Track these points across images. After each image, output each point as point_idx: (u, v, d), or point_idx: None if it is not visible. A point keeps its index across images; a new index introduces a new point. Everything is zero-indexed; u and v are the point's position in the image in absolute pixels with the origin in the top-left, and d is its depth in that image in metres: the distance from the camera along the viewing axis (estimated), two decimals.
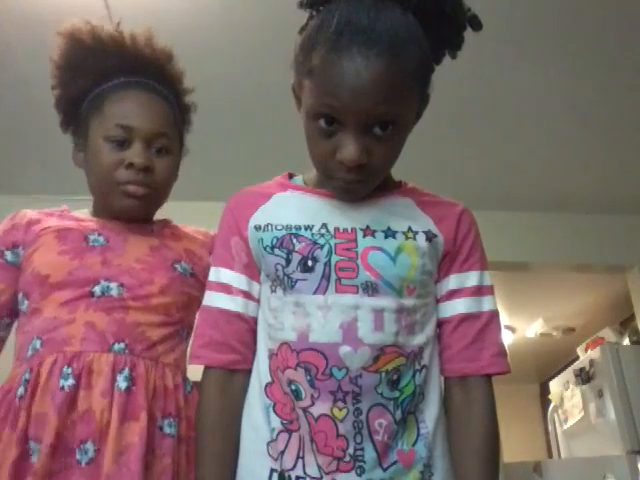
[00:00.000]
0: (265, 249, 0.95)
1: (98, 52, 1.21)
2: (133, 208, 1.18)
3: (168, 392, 1.07)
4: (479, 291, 0.98)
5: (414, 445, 0.90)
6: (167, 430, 1.04)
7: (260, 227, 0.97)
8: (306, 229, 0.94)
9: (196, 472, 0.93)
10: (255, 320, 0.98)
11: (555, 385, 3.97)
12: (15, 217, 1.19)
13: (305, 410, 0.89)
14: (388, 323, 0.90)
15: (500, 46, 2.44)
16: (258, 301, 0.99)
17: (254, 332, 0.98)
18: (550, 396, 4.00)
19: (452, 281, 0.98)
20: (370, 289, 0.90)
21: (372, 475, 0.87)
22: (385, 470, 0.87)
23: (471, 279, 0.98)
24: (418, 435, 0.91)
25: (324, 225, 0.95)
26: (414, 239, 0.95)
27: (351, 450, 0.87)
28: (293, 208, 0.98)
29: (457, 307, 0.97)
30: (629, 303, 3.65)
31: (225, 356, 0.96)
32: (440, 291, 0.98)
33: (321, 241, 0.93)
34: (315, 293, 0.91)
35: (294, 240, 0.94)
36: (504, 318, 4.60)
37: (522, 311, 4.55)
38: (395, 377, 0.89)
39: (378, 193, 0.99)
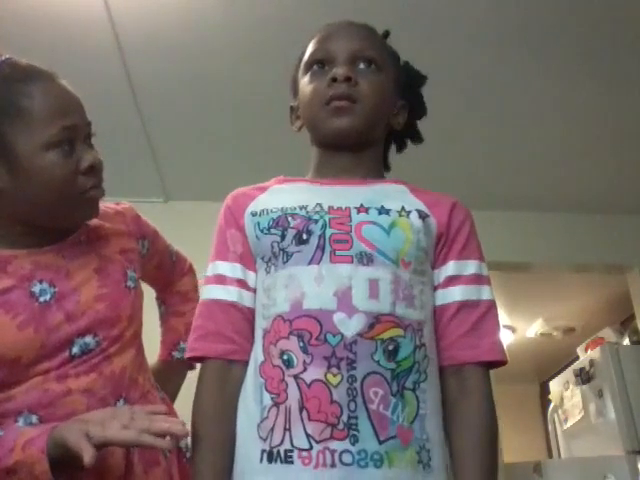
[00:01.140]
0: (262, 231, 0.98)
1: None
2: (94, 214, 1.07)
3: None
4: (478, 279, 0.98)
5: (412, 423, 0.87)
6: (166, 452, 1.05)
7: (256, 213, 1.00)
8: (301, 209, 0.98)
9: (192, 462, 0.92)
10: (251, 310, 0.98)
11: (555, 385, 3.96)
12: None
13: (296, 377, 0.87)
14: (384, 292, 0.90)
15: (502, 47, 2.44)
16: (254, 291, 0.99)
17: (250, 322, 0.97)
18: (550, 396, 4.00)
19: (451, 267, 0.98)
20: (365, 259, 0.92)
21: (366, 446, 0.84)
22: (381, 443, 0.84)
23: (470, 267, 0.99)
24: (417, 415, 0.88)
25: (318, 204, 0.98)
26: (407, 217, 0.97)
27: (345, 417, 0.84)
28: (288, 194, 1.02)
29: (455, 294, 0.97)
30: (629, 303, 3.65)
31: (222, 346, 0.95)
32: (438, 278, 0.98)
33: (316, 217, 0.96)
34: (310, 264, 0.92)
35: (289, 218, 0.97)
36: (504, 318, 4.59)
37: (522, 311, 4.55)
38: (391, 347, 0.88)
39: (372, 180, 1.04)
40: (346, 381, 0.85)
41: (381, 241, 0.93)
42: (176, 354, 1.28)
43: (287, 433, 0.86)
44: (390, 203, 0.98)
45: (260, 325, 0.95)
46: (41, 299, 1.01)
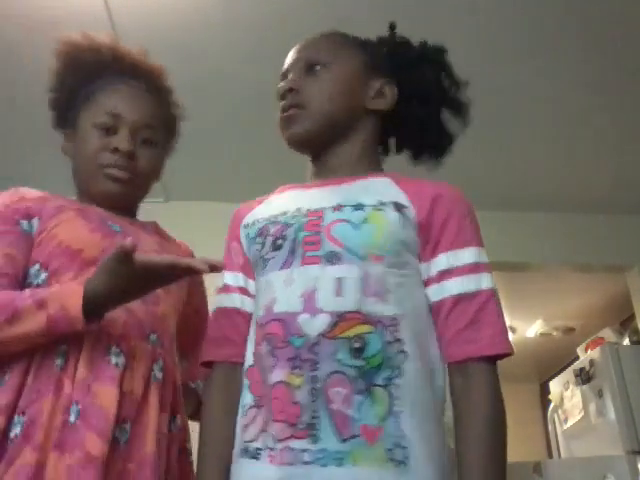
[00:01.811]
0: (250, 242, 1.02)
1: (98, 65, 1.24)
2: (114, 192, 1.17)
3: (177, 390, 1.11)
4: (475, 268, 0.94)
5: (383, 421, 0.85)
6: (172, 426, 1.08)
7: (248, 224, 1.05)
8: (282, 215, 1.01)
9: (198, 461, 0.96)
10: (252, 315, 1.01)
11: (555, 385, 3.96)
12: (19, 191, 1.15)
13: (267, 379, 0.91)
14: (349, 290, 0.90)
15: (501, 46, 2.44)
16: (254, 297, 1.03)
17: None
18: (550, 396, 4.00)
19: (442, 260, 0.94)
20: (333, 258, 0.93)
21: (327, 445, 0.84)
22: (343, 442, 0.84)
23: (464, 256, 0.94)
24: (390, 412, 0.86)
25: (298, 209, 1.00)
26: (383, 211, 0.96)
27: (306, 418, 0.85)
28: (279, 202, 1.05)
29: (451, 288, 0.93)
30: (629, 303, 3.65)
31: (225, 350, 1.00)
32: (428, 272, 0.95)
33: (292, 221, 0.98)
34: (281, 268, 0.95)
35: (270, 227, 1.00)
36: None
37: (522, 311, 4.55)
38: (358, 345, 0.87)
39: (357, 177, 1.03)
40: (309, 382, 0.87)
41: (349, 238, 0.94)
42: (191, 384, 1.30)
43: (260, 433, 0.89)
44: (368, 198, 0.97)
45: (253, 330, 0.99)
46: (111, 228, 1.13)
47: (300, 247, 0.94)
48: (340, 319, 0.88)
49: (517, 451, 4.48)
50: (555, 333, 4.86)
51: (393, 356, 0.88)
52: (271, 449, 0.87)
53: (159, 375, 1.06)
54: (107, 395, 0.97)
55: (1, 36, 2.30)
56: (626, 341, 3.91)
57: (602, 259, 3.53)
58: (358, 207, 0.96)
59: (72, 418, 0.94)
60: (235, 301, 1.03)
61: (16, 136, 2.84)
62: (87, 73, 1.24)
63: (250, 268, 1.03)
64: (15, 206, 1.11)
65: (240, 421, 0.93)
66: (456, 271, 0.94)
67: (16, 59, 2.38)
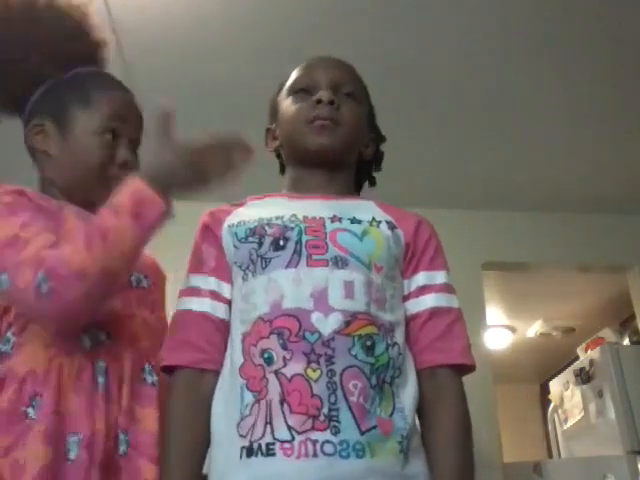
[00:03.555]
0: (240, 240, 1.02)
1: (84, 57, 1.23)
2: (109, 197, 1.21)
3: None
4: (448, 288, 1.04)
5: (391, 415, 0.91)
6: None
7: (234, 224, 1.05)
8: (277, 219, 1.02)
9: (160, 468, 0.95)
10: (224, 322, 1.01)
11: (555, 385, 3.96)
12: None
13: (277, 372, 0.90)
14: (358, 293, 0.95)
15: (499, 44, 2.44)
16: (228, 302, 1.02)
17: (222, 334, 1.00)
18: (550, 396, 3.99)
19: (421, 277, 1.04)
20: (340, 262, 0.97)
21: (347, 436, 0.86)
22: (363, 434, 0.87)
23: (440, 277, 1.05)
24: (394, 408, 0.92)
25: (293, 215, 1.02)
26: (378, 227, 1.03)
27: (325, 410, 0.87)
28: (265, 207, 1.07)
29: (428, 301, 1.02)
30: (629, 303, 3.65)
31: (192, 355, 0.99)
32: (409, 287, 1.04)
33: (292, 225, 1.01)
34: (287, 267, 0.96)
35: (266, 227, 1.01)
36: (504, 318, 4.59)
37: (522, 311, 4.55)
38: (369, 343, 0.92)
39: (342, 197, 1.10)
40: (325, 375, 0.89)
41: (354, 246, 0.99)
42: None
43: (268, 426, 0.87)
44: (361, 214, 1.04)
45: (239, 330, 0.98)
46: None
47: (305, 249, 0.97)
48: (353, 318, 0.93)
49: (517, 451, 4.51)
50: (555, 333, 4.85)
51: (395, 357, 0.95)
52: (284, 442, 0.86)
53: (150, 379, 1.07)
54: (149, 418, 1.00)
55: None
56: (626, 341, 3.92)
57: (602, 259, 3.54)
58: (354, 221, 1.02)
59: (123, 448, 0.97)
60: (205, 306, 1.01)
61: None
62: (48, 59, 1.20)
63: (225, 271, 1.03)
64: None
65: (241, 423, 0.90)
66: (434, 288, 1.03)
67: None
